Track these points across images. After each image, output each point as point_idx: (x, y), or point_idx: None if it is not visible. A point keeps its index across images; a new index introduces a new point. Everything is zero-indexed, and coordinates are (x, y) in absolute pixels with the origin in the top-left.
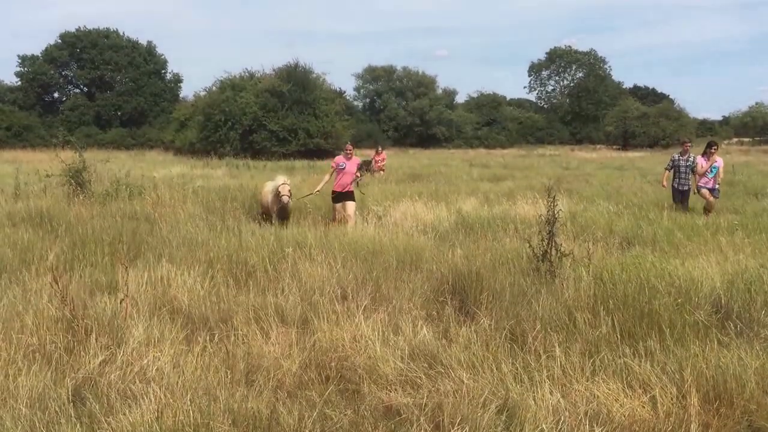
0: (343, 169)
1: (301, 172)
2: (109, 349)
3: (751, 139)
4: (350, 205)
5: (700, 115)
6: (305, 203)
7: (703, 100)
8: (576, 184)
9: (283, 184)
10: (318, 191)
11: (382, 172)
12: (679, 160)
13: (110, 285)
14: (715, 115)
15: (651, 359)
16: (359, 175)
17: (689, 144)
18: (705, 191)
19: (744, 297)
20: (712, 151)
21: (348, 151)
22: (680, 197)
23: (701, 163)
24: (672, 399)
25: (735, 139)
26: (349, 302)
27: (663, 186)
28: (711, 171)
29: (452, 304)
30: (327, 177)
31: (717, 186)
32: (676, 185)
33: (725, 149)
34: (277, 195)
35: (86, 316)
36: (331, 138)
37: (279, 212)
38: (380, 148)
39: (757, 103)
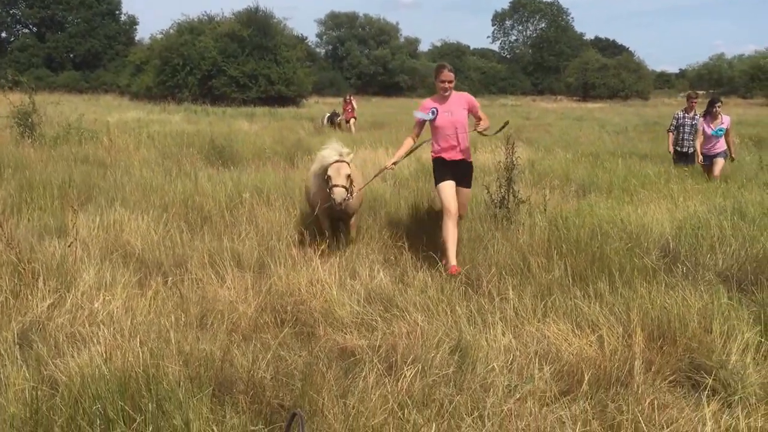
0: (435, 118)
1: (262, 120)
2: (58, 292)
3: (705, 92)
4: (465, 194)
5: (659, 67)
6: (264, 148)
7: (661, 52)
8: (536, 134)
9: (337, 161)
10: (393, 165)
11: (353, 120)
12: (684, 118)
13: (60, 229)
14: (673, 68)
15: (600, 301)
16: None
17: (696, 100)
18: (707, 165)
19: (691, 241)
20: (716, 109)
21: (445, 84)
22: (684, 161)
23: (703, 126)
24: (618, 338)
25: (688, 92)
26: (306, 247)
27: (670, 152)
28: (716, 133)
29: (409, 249)
30: (410, 142)
31: (725, 150)
32: (678, 148)
33: (681, 101)
34: (327, 182)
35: (34, 259)
36: (293, 85)
37: (329, 212)
38: (349, 96)
39: (716, 55)
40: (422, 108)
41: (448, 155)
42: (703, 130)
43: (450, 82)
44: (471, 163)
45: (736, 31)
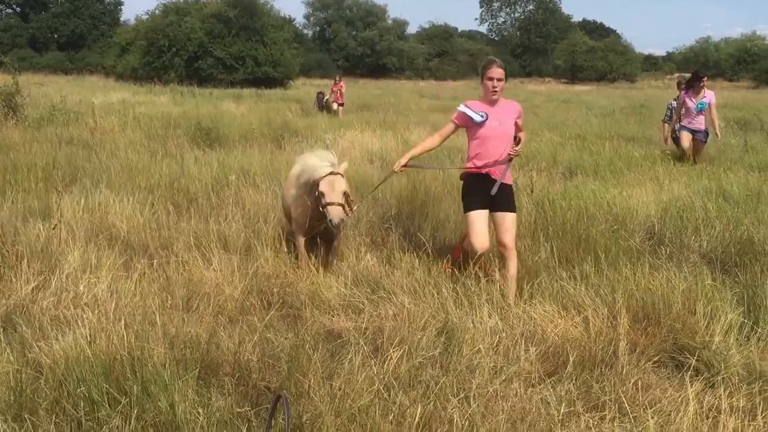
0: (482, 123)
1: (249, 101)
2: (43, 275)
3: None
4: (511, 220)
5: (646, 50)
6: (251, 129)
7: (648, 35)
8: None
9: (331, 174)
10: (403, 168)
11: (341, 106)
12: (677, 107)
13: (44, 211)
14: (660, 51)
15: (586, 282)
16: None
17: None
18: (685, 134)
19: (676, 224)
20: (702, 84)
21: (493, 82)
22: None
23: (686, 99)
24: (603, 319)
25: (677, 75)
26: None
27: (666, 143)
28: (698, 107)
29: (397, 231)
30: (437, 140)
31: (705, 128)
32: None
33: (667, 84)
34: (318, 199)
35: (18, 242)
36: (280, 66)
37: (317, 233)
38: (338, 77)
39: (703, 38)
40: (471, 105)
41: (485, 173)
42: (685, 103)
43: (500, 80)
44: (511, 186)
45: (724, 14)
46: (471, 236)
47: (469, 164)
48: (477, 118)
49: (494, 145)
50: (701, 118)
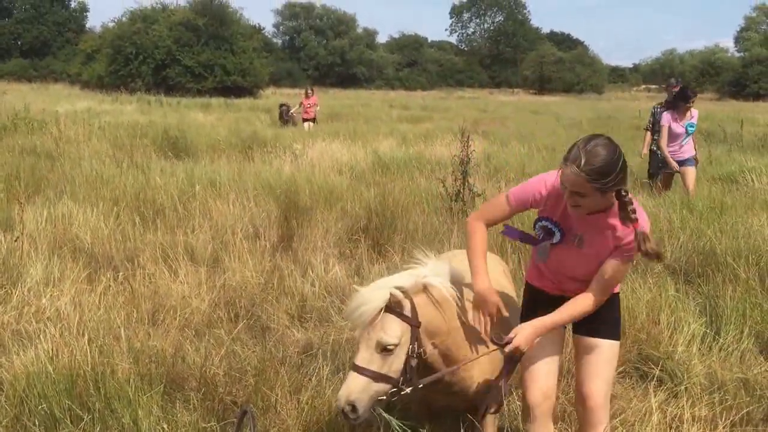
0: (549, 242)
1: (218, 111)
2: (4, 288)
3: (658, 86)
4: (608, 351)
5: (613, 62)
6: (219, 139)
7: (614, 47)
8: (492, 127)
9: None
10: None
11: (311, 122)
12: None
13: (6, 223)
14: (626, 62)
15: None
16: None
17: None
18: (689, 170)
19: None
20: (689, 104)
21: (568, 196)
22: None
23: (669, 122)
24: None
25: (643, 86)
26: (261, 240)
27: (641, 156)
28: (687, 132)
29: (365, 242)
30: (483, 236)
31: (695, 156)
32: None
33: (634, 95)
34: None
35: None
36: (249, 75)
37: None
38: (310, 90)
39: (669, 50)
40: (529, 194)
41: (554, 288)
42: (670, 127)
43: (577, 194)
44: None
45: (686, 28)
46: (525, 383)
47: (532, 271)
48: (552, 235)
49: (566, 272)
50: (689, 145)
